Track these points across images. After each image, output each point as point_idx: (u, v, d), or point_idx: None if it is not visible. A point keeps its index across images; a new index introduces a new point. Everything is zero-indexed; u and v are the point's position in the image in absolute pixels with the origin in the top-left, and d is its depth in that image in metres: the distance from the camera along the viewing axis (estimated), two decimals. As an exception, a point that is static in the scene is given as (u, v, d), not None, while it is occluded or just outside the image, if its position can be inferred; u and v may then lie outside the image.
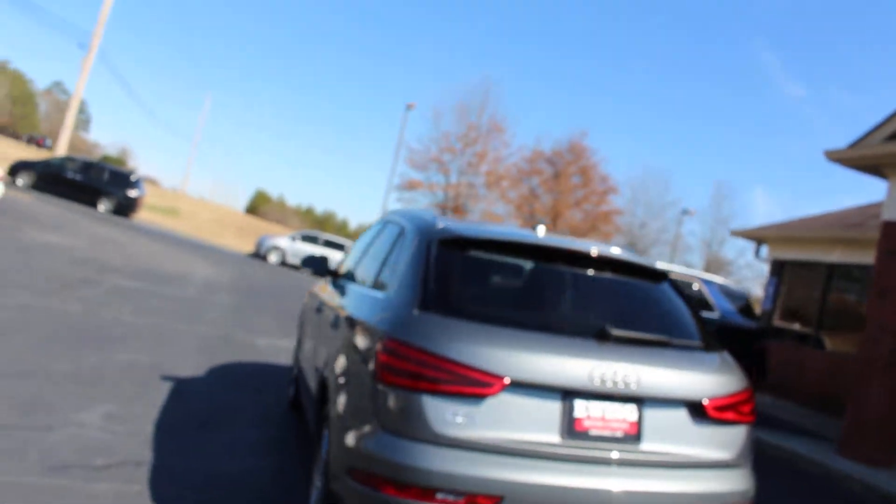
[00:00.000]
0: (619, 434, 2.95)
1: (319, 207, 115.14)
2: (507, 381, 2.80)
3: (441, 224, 3.59)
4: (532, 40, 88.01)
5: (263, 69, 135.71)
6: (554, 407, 2.88)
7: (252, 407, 5.96)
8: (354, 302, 3.85)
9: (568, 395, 2.91)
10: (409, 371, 2.79)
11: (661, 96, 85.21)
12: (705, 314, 11.19)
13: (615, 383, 2.94)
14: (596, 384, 2.92)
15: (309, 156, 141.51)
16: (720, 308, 11.29)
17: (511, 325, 3.03)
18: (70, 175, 28.42)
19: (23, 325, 6.83)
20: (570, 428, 2.87)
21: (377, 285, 3.74)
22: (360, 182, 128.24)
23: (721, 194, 57.31)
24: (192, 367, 6.91)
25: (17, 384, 5.00)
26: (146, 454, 4.23)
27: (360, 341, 3.27)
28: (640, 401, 3.02)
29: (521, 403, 2.83)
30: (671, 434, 3.05)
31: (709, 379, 3.18)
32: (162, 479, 3.89)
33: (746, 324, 11.55)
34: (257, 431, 5.25)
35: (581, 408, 2.91)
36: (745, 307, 11.85)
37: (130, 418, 4.84)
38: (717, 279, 12.31)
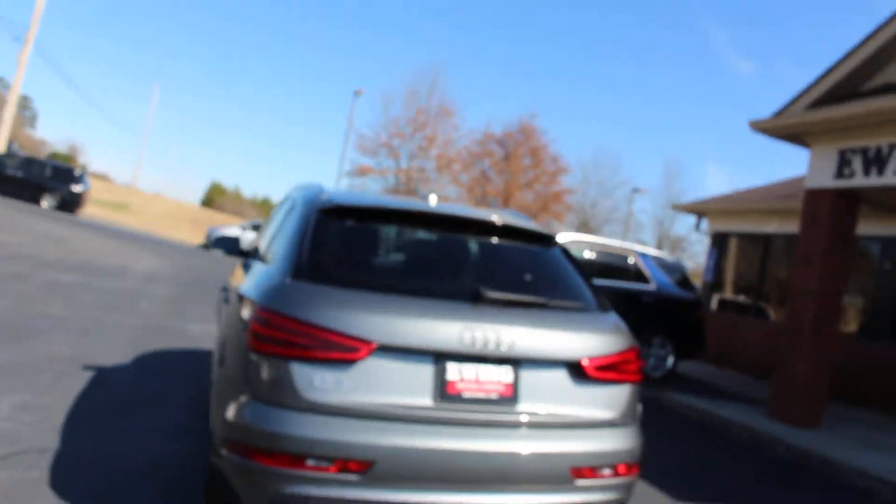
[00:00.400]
0: (493, 396, 2.99)
1: (276, 197, 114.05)
2: (374, 345, 2.82)
3: (326, 195, 3.59)
4: (480, 24, 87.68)
5: (211, 59, 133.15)
6: (425, 370, 2.90)
7: (177, 393, 5.91)
8: (247, 278, 3.85)
9: (440, 357, 2.93)
10: (277, 339, 2.80)
11: (610, 76, 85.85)
12: (642, 287, 11.38)
13: (488, 345, 2.96)
14: (468, 347, 2.94)
15: (262, 146, 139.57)
16: (657, 280, 11.49)
17: (384, 290, 3.05)
18: (10, 172, 27.77)
19: (-59, 321, 6.68)
20: (443, 391, 2.90)
21: (265, 259, 3.76)
22: (313, 170, 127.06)
23: (672, 172, 58.46)
24: (119, 356, 6.82)
25: (-74, 379, 4.89)
26: (53, 442, 4.19)
27: (241, 314, 3.28)
28: (515, 362, 3.05)
29: (392, 367, 2.86)
30: (549, 395, 3.10)
31: (589, 339, 3.23)
32: (66, 466, 3.86)
33: (684, 295, 11.77)
34: (178, 417, 5.22)
35: (454, 370, 2.94)
36: (683, 279, 12.06)
37: (42, 408, 4.77)
38: (653, 252, 12.49)
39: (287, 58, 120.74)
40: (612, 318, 3.54)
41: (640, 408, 3.49)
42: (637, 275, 11.45)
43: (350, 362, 2.80)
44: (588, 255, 11.30)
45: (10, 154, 29.96)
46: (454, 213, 3.67)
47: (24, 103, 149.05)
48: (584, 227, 45.61)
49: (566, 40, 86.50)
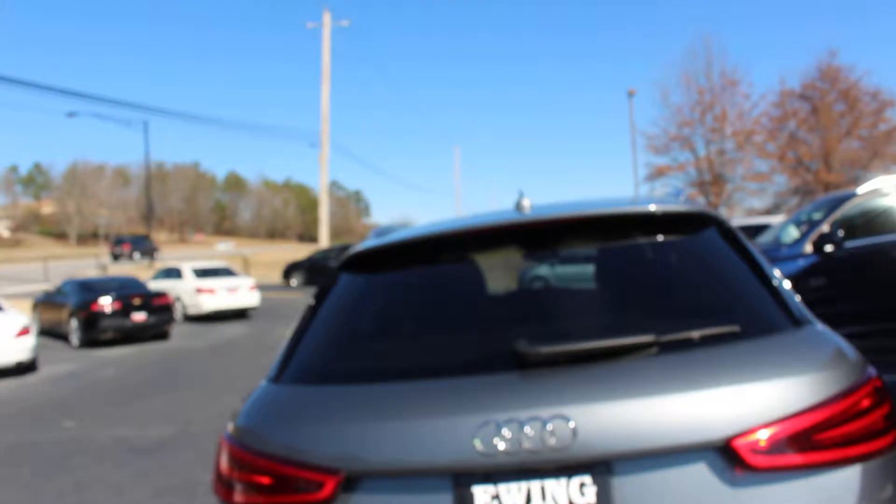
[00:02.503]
0: None
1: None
2: (342, 475, 1.88)
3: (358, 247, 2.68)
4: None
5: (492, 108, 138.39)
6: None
7: None
8: None
9: (461, 479, 1.82)
10: (230, 480, 2.07)
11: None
12: None
13: (544, 444, 1.76)
14: (507, 453, 1.76)
15: (559, 171, 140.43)
16: None
17: (379, 377, 2.07)
18: (332, 263, 30.20)
19: None
20: None
21: None
22: (609, 183, 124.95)
23: None
24: None
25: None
26: None
27: None
28: (601, 466, 1.78)
29: None
30: None
31: (757, 389, 1.79)
32: None
33: None
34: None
35: (484, 497, 1.80)
36: None
37: None
38: None
39: (553, 80, 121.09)
40: (815, 336, 1.99)
41: None
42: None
43: None
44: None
45: (330, 248, 33.21)
46: (527, 220, 2.40)
47: (357, 197, 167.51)
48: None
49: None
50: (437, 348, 2.16)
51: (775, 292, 2.12)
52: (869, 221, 8.41)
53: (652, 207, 2.34)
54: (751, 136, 40.55)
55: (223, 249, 78.55)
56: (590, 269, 2.74)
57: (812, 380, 1.78)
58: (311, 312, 2.44)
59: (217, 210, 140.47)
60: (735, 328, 1.93)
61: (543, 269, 3.24)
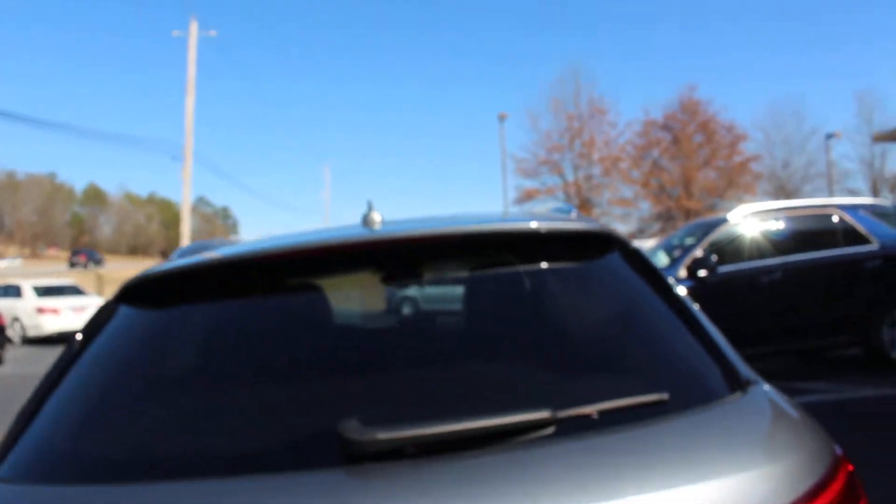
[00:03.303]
0: None
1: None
2: None
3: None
4: (604, 18, 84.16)
5: (359, 125, 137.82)
6: None
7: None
8: None
9: None
10: None
11: (759, 25, 78.92)
12: (859, 250, 8.52)
13: None
14: None
15: (426, 190, 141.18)
16: (878, 236, 8.58)
17: (146, 472, 1.39)
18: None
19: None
20: None
21: None
22: (479, 203, 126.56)
23: (867, 104, 51.30)
24: None
25: None
26: None
27: None
28: None
29: None
30: None
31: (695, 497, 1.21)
32: None
33: (923, 246, 8.75)
34: None
35: None
36: (914, 226, 9.02)
37: None
38: (863, 200, 9.58)
39: (426, 99, 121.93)
40: (764, 404, 1.51)
41: None
42: (848, 236, 8.60)
43: None
44: (776, 225, 8.65)
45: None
46: (377, 238, 1.84)
47: (225, 213, 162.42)
48: (780, 191, 40.86)
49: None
50: (239, 427, 1.51)
51: (704, 336, 1.64)
52: (738, 247, 8.47)
53: (534, 225, 1.82)
54: (617, 162, 41.90)
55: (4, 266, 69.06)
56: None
57: (771, 474, 1.26)
58: (64, 362, 1.73)
59: (75, 223, 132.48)
60: (662, 396, 1.41)
61: (411, 291, 2.66)
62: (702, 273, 7.84)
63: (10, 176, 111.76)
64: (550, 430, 1.32)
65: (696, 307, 1.80)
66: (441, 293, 2.48)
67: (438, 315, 2.49)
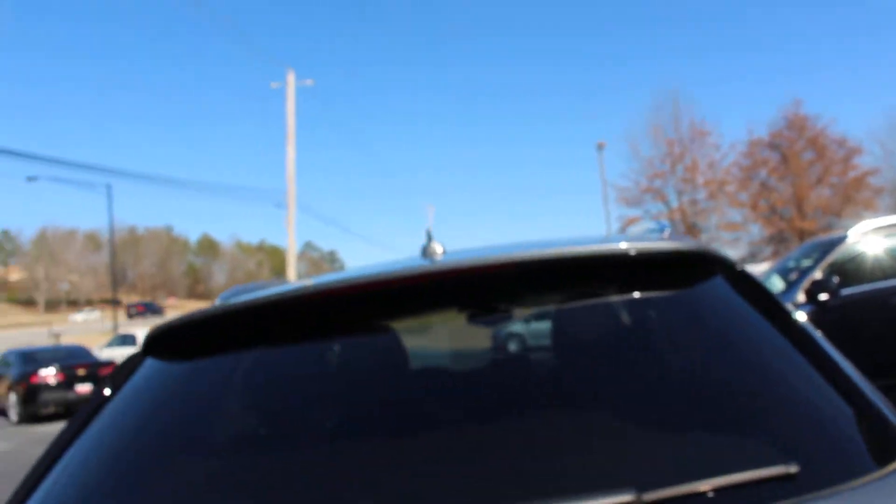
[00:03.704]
0: None
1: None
2: None
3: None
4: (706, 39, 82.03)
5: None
6: None
7: None
8: None
9: None
10: None
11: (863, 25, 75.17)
12: None
13: None
14: None
15: (528, 228, 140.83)
16: None
17: None
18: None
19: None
20: None
21: None
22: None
23: None
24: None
25: None
26: None
27: None
28: None
29: None
30: None
31: None
32: None
33: None
34: None
35: None
36: None
37: None
38: None
39: (523, 138, 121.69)
40: None
41: None
42: None
43: None
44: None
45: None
46: (431, 269, 1.57)
47: (332, 257, 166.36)
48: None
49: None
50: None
51: (843, 383, 1.25)
52: (861, 267, 7.77)
53: (623, 245, 1.50)
54: (722, 185, 40.36)
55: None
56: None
57: None
58: (81, 422, 1.52)
59: (190, 273, 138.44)
60: (789, 468, 1.05)
61: (517, 327, 2.35)
62: (823, 297, 7.16)
63: (132, 231, 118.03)
64: None
65: (827, 343, 1.42)
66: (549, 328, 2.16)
67: (534, 355, 2.18)
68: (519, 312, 1.74)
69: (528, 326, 2.49)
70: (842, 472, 1.07)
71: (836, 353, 1.37)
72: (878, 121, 69.26)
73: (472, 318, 1.61)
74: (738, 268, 1.57)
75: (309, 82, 38.34)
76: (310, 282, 1.69)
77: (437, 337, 1.93)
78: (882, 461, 1.09)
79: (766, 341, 1.39)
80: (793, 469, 1.04)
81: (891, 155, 41.30)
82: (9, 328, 39.93)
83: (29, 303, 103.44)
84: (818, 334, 1.44)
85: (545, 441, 1.27)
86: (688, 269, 1.53)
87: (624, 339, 1.54)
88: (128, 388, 1.59)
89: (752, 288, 1.51)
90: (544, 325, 2.26)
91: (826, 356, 1.34)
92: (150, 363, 1.64)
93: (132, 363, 1.67)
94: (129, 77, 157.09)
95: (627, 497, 0.99)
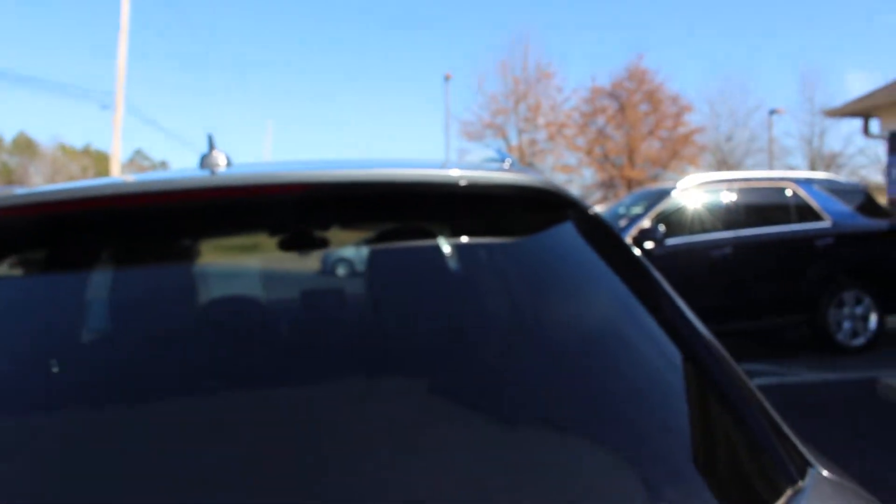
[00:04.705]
0: None
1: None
2: None
3: None
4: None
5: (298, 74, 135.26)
6: None
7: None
8: None
9: None
10: None
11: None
12: (812, 226, 8.15)
13: None
14: None
15: (365, 146, 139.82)
16: (831, 212, 8.22)
17: None
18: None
19: None
20: None
21: None
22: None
23: (810, 82, 52.17)
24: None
25: None
26: None
27: None
28: None
29: None
30: None
31: None
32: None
33: (875, 225, 8.42)
34: None
35: None
36: (867, 203, 8.68)
37: None
38: (818, 175, 9.22)
39: (361, 51, 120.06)
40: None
41: None
42: (802, 211, 8.20)
43: None
44: (727, 198, 8.21)
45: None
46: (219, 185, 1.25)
47: (164, 167, 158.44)
48: (722, 165, 41.07)
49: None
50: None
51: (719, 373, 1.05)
52: (686, 219, 8.05)
53: (454, 173, 1.22)
54: (562, 128, 41.48)
55: None
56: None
57: None
58: None
59: (4, 174, 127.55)
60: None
61: (349, 252, 2.02)
62: (648, 245, 7.34)
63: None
64: None
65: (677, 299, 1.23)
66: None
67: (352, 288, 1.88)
68: (329, 241, 1.43)
69: (359, 252, 2.17)
70: None
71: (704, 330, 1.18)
72: (710, 83, 73.52)
73: (283, 245, 1.31)
74: (591, 212, 1.32)
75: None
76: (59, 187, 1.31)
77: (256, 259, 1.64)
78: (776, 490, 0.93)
79: (621, 305, 1.18)
80: None
81: (717, 116, 44.01)
82: None
83: None
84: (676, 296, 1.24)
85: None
86: (532, 209, 1.27)
87: (441, 290, 1.30)
88: None
89: (604, 236, 1.29)
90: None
91: (695, 332, 1.17)
92: None
93: None
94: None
95: None
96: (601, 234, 1.30)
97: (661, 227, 7.52)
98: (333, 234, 1.34)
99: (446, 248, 1.30)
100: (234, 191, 1.20)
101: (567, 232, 1.26)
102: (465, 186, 1.20)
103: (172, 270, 1.38)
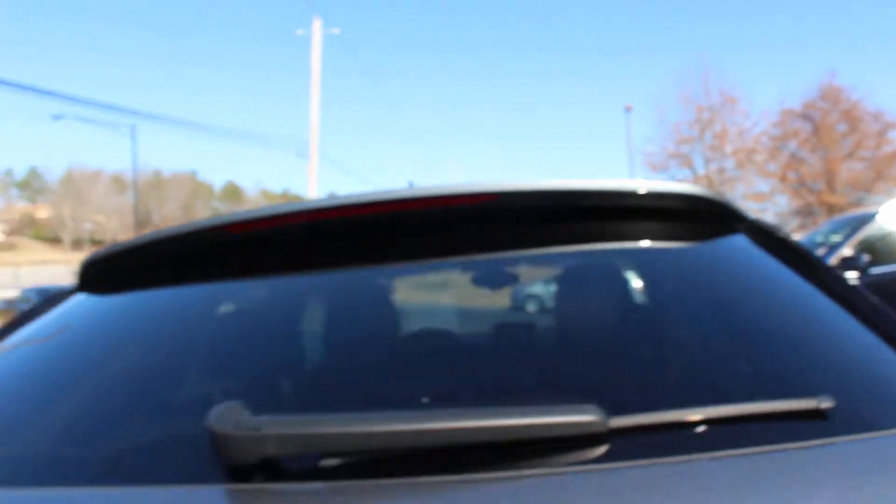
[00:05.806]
0: None
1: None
2: None
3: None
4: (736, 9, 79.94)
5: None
6: None
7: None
8: None
9: None
10: None
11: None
12: None
13: None
14: None
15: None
16: None
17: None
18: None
19: None
20: None
21: None
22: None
23: None
24: None
25: None
26: None
27: None
28: None
29: None
30: None
31: None
32: None
33: None
34: None
35: None
36: None
37: None
38: None
39: (549, 96, 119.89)
40: None
41: None
42: None
43: None
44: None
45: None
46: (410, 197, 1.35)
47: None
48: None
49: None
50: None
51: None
52: (891, 246, 7.61)
53: (633, 183, 1.31)
54: (751, 154, 39.70)
55: None
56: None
57: None
58: None
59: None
60: (821, 402, 0.89)
61: (536, 288, 2.21)
62: (850, 275, 7.05)
63: (157, 174, 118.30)
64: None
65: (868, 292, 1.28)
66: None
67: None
68: (518, 276, 1.64)
69: (548, 288, 2.39)
70: (881, 415, 0.94)
71: (878, 301, 1.23)
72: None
73: (477, 281, 1.53)
74: (761, 224, 1.45)
75: (335, 30, 37.90)
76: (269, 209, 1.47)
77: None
78: None
79: (796, 290, 1.26)
80: (825, 404, 0.89)
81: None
82: (35, 265, 40.51)
83: (55, 241, 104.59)
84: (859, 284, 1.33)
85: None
86: (704, 221, 1.38)
87: (641, 323, 1.43)
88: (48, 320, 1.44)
89: (777, 242, 1.38)
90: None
91: (869, 304, 1.21)
92: (81, 300, 1.49)
93: (59, 298, 1.54)
94: (156, 19, 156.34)
95: (591, 417, 0.87)
96: (781, 245, 1.37)
97: (865, 256, 7.18)
98: (523, 270, 1.55)
99: (633, 282, 1.48)
100: (436, 201, 1.30)
101: (740, 242, 1.36)
102: (642, 196, 1.30)
103: (379, 305, 1.51)
